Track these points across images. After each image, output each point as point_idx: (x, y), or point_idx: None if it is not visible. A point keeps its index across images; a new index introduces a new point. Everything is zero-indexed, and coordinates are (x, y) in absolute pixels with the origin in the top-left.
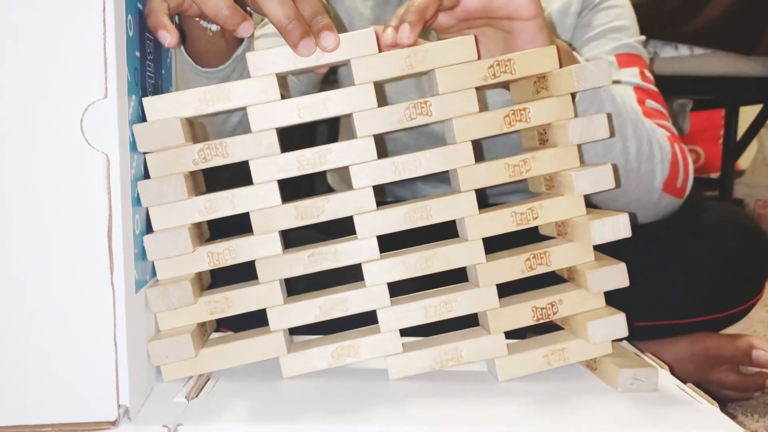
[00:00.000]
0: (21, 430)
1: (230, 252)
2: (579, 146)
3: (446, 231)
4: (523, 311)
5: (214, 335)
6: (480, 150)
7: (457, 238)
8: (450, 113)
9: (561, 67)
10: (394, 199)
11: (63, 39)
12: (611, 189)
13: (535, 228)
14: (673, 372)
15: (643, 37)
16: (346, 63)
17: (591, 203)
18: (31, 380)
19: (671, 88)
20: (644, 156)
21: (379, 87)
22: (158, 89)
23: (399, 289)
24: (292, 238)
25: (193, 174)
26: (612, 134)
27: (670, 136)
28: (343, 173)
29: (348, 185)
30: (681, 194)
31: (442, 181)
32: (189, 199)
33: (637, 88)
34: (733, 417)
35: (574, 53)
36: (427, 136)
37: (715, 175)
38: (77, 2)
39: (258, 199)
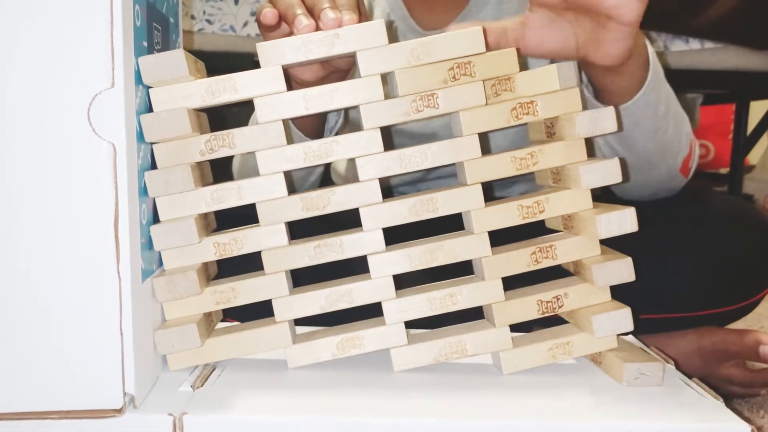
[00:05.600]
0: (27, 417)
1: (236, 243)
2: (587, 139)
3: (453, 224)
4: (529, 305)
5: (220, 325)
6: (486, 142)
7: (463, 231)
8: (457, 105)
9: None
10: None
11: (70, 29)
12: (637, 159)
13: (542, 221)
14: (678, 367)
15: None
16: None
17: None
18: (37, 368)
19: (682, 82)
20: (679, 137)
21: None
22: None
23: (405, 281)
24: (300, 228)
25: (199, 164)
26: (620, 128)
27: None
28: (348, 175)
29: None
30: (688, 174)
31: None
32: (196, 190)
33: None
34: (738, 413)
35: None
36: (430, 140)
37: (724, 170)
38: None
39: (264, 191)
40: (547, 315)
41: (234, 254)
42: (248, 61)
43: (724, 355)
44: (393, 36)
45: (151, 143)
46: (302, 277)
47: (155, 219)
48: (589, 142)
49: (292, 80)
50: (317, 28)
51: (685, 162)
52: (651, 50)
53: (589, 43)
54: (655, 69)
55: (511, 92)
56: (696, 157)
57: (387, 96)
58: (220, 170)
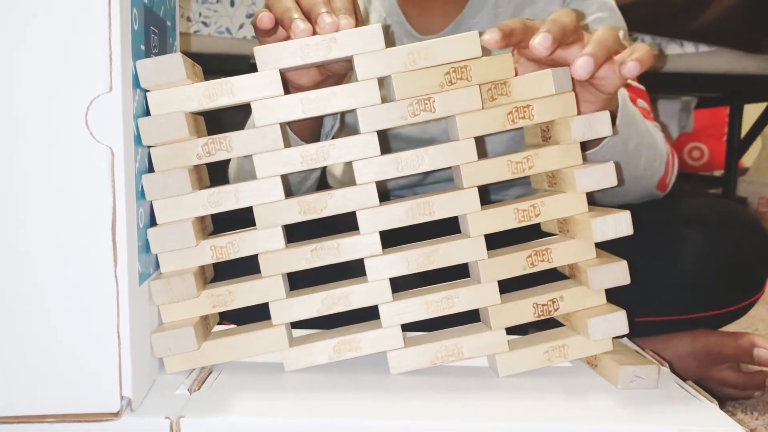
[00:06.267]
0: (24, 420)
1: (233, 246)
2: (581, 143)
3: (449, 227)
4: (524, 307)
5: (217, 328)
6: (482, 147)
7: (460, 234)
8: (453, 109)
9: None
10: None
11: (68, 32)
12: (615, 187)
13: (537, 225)
14: (673, 369)
15: (624, 27)
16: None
17: (590, 198)
18: (34, 371)
19: (676, 85)
20: (652, 163)
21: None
22: None
23: (402, 284)
24: (297, 232)
25: (197, 168)
26: (615, 132)
27: (663, 137)
28: (344, 179)
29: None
30: (665, 189)
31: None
32: (193, 193)
33: (628, 87)
34: (732, 415)
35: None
36: (427, 145)
37: (719, 173)
38: None
39: (261, 194)
40: (542, 318)
41: (231, 257)
42: (244, 64)
43: (718, 358)
44: (389, 40)
45: (149, 146)
46: (299, 281)
47: (152, 222)
48: None
49: (289, 85)
50: (314, 33)
51: (661, 180)
52: (621, 93)
53: None
54: (624, 113)
55: (507, 96)
56: (674, 173)
57: (384, 100)
58: (217, 173)
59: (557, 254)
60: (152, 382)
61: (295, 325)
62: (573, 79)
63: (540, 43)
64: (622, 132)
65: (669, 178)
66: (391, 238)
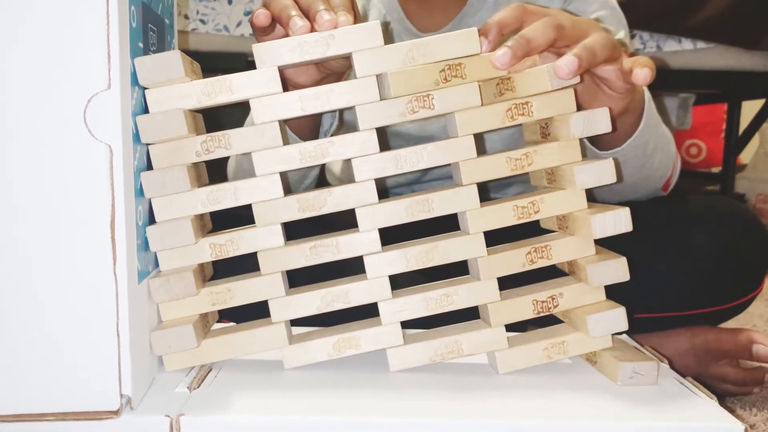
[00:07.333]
0: (24, 419)
1: (232, 243)
2: (581, 140)
3: (449, 225)
4: (524, 304)
5: (216, 326)
6: (482, 144)
7: (459, 231)
8: (452, 106)
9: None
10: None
11: (66, 30)
12: (621, 186)
13: (537, 222)
14: (672, 366)
15: (625, 25)
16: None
17: (591, 195)
18: (33, 369)
19: (674, 82)
20: (663, 164)
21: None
22: None
23: (401, 282)
24: (296, 232)
25: (195, 165)
26: (614, 129)
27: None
28: (343, 176)
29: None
30: (668, 189)
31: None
32: (191, 191)
33: None
34: (731, 411)
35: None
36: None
37: (716, 170)
38: None
39: (260, 191)
40: (542, 315)
41: (230, 255)
42: (241, 61)
43: (717, 354)
44: (389, 38)
45: (147, 144)
46: (298, 279)
47: (151, 220)
48: None
49: (288, 84)
50: (312, 30)
51: (667, 180)
52: (647, 95)
53: (583, 96)
54: (649, 114)
55: (512, 92)
56: (677, 173)
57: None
58: (215, 172)
59: (557, 251)
60: (152, 380)
61: (295, 322)
62: (587, 77)
63: (497, 59)
64: (645, 133)
65: (673, 179)
66: (390, 236)
